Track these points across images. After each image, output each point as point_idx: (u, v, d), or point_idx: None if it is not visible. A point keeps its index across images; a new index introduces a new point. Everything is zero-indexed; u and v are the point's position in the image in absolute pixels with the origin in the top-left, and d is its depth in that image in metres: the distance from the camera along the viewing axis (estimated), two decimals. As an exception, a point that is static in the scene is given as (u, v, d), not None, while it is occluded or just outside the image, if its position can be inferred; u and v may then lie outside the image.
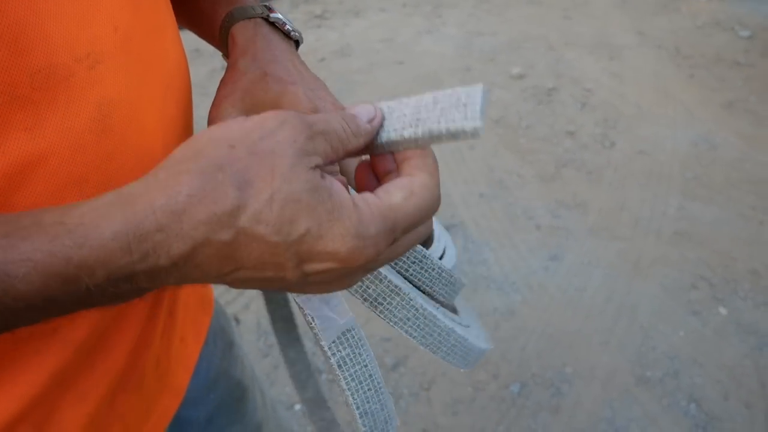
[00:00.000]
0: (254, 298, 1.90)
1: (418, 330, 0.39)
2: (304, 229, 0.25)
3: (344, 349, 0.36)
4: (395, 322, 0.38)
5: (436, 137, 0.29)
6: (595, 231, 2.19)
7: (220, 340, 0.63)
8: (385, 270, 0.37)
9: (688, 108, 3.06)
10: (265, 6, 0.47)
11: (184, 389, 0.54)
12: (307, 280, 0.27)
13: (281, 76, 0.41)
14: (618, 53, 3.71)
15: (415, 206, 0.28)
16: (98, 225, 0.24)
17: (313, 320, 0.36)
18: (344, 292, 0.36)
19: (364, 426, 0.38)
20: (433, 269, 0.40)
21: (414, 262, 0.39)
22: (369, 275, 0.37)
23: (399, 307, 0.38)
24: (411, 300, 0.38)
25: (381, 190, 0.29)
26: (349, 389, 0.37)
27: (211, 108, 0.41)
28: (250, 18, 0.46)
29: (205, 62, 3.43)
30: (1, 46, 0.27)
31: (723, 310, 1.84)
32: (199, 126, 0.40)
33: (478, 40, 3.91)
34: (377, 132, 0.31)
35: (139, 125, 0.35)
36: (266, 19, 0.46)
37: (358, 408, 0.37)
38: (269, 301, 0.50)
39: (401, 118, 0.31)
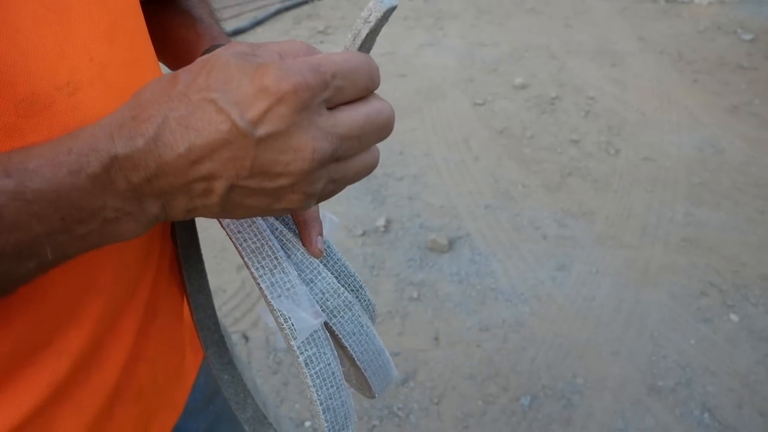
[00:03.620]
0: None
1: (360, 345, 0.44)
2: (237, 81, 0.28)
3: (311, 348, 0.40)
4: (343, 335, 0.43)
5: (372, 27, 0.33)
6: (602, 239, 2.18)
7: None
8: (342, 288, 0.43)
9: (692, 113, 3.06)
10: None
11: (182, 404, 0.56)
12: (257, 132, 0.28)
13: None
14: (620, 60, 3.71)
15: (341, 56, 0.30)
16: (90, 125, 0.30)
17: (287, 320, 0.39)
18: (310, 300, 0.40)
19: (326, 421, 0.41)
20: (367, 300, 0.47)
21: (353, 290, 0.46)
22: (329, 289, 0.42)
23: (349, 322, 0.43)
24: (360, 317, 0.44)
25: None
26: (314, 386, 0.40)
27: None
28: None
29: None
30: None
31: (734, 317, 1.82)
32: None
33: (480, 51, 3.93)
34: None
35: None
36: None
37: (321, 404, 0.40)
38: (201, 329, 0.51)
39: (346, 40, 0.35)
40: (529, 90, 3.36)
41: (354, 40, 0.34)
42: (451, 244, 2.17)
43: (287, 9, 5.06)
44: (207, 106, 0.28)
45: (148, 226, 0.32)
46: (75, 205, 0.29)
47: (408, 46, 4.05)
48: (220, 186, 0.30)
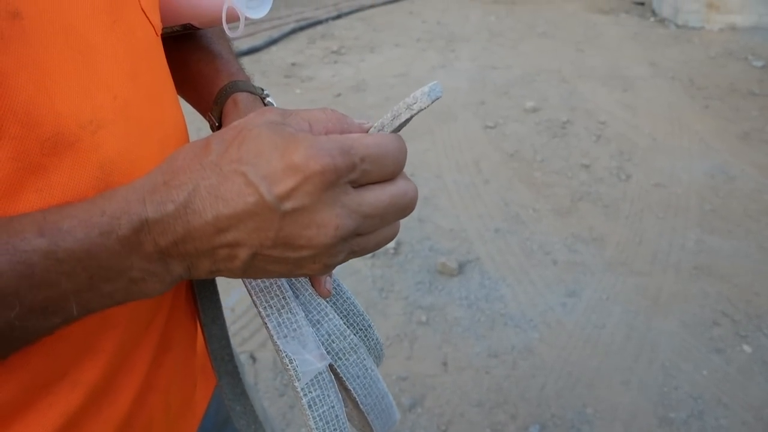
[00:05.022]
0: (271, 336, 1.90)
1: (363, 388, 0.44)
2: (267, 156, 0.29)
3: (315, 390, 0.40)
4: (347, 378, 0.43)
5: (410, 111, 0.35)
6: (612, 266, 2.17)
7: None
8: (348, 330, 0.43)
9: (703, 139, 3.05)
10: (261, 89, 0.59)
11: None
12: (283, 207, 0.29)
13: None
14: (631, 85, 3.73)
15: (373, 139, 0.31)
16: (123, 187, 0.32)
17: (292, 362, 0.39)
18: (316, 342, 0.40)
19: None
20: (375, 340, 0.47)
21: (361, 329, 0.46)
22: (335, 331, 0.42)
23: (354, 365, 0.43)
24: (364, 360, 0.44)
25: None
26: (316, 428, 0.40)
27: None
28: (251, 93, 0.56)
29: (192, 120, 3.51)
30: (14, 121, 0.30)
31: (747, 348, 1.80)
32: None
33: (491, 74, 3.96)
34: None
35: None
36: (262, 99, 0.57)
37: None
38: (215, 359, 0.51)
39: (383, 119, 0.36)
40: (540, 114, 3.37)
41: (392, 120, 0.35)
42: (461, 267, 2.17)
43: (302, 29, 5.13)
44: (237, 178, 0.30)
45: (171, 284, 0.33)
46: (103, 265, 0.30)
47: (420, 68, 4.08)
48: (243, 253, 0.31)
